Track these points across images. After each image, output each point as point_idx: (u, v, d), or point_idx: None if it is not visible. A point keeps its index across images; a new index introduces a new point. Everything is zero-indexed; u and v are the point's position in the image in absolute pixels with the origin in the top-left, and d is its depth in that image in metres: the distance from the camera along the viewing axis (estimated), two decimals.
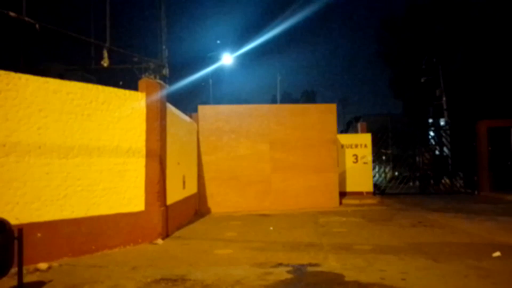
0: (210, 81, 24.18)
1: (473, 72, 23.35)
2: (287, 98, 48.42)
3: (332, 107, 11.25)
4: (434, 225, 7.69)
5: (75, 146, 5.57)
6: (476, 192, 14.09)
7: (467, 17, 25.30)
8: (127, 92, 6.28)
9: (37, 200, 5.13)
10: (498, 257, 5.07)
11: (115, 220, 5.94)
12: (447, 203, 11.55)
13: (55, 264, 5.00)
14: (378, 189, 14.69)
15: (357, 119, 30.37)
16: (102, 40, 6.72)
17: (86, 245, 5.56)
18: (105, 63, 6.34)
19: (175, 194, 7.64)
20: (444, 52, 25.26)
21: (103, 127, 5.92)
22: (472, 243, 6.04)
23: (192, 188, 9.61)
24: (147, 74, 6.72)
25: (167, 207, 6.89)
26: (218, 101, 30.24)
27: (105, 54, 6.35)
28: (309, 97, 51.87)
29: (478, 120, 14.57)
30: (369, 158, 13.49)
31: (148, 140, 6.44)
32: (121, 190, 6.07)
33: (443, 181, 15.60)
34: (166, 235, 6.75)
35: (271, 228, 7.70)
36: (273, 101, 40.16)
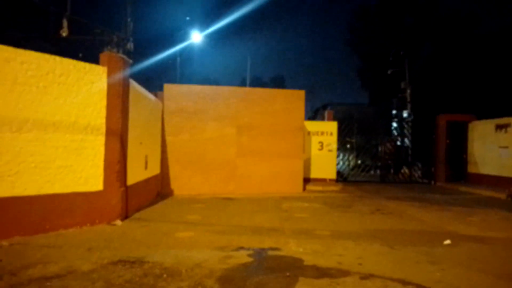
0: (178, 59, 23.52)
1: (437, 67, 24.21)
2: (257, 82, 48.10)
3: (301, 94, 11.26)
4: (392, 213, 7.97)
5: (29, 119, 5.23)
6: (432, 183, 14.78)
7: (435, 13, 26.07)
8: (87, 65, 5.94)
9: None
10: (448, 245, 5.34)
11: (70, 199, 5.68)
12: (405, 192, 12.03)
13: (5, 243, 4.73)
14: (341, 177, 15.06)
15: (324, 107, 30.79)
16: (62, 8, 6.28)
17: (40, 224, 5.30)
18: (64, 32, 5.94)
19: (136, 174, 7.42)
20: (412, 45, 25.97)
21: (60, 101, 5.59)
22: (426, 231, 6.31)
23: (154, 169, 9.39)
24: (109, 47, 6.36)
25: (127, 188, 6.68)
26: (186, 80, 29.52)
27: (65, 23, 5.94)
28: (278, 83, 51.81)
29: (439, 114, 15.18)
30: (334, 146, 13.76)
31: (108, 117, 6.16)
32: (77, 168, 5.80)
33: (402, 171, 16.20)
34: (125, 216, 6.57)
35: (234, 212, 7.69)
36: (243, 84, 39.80)
